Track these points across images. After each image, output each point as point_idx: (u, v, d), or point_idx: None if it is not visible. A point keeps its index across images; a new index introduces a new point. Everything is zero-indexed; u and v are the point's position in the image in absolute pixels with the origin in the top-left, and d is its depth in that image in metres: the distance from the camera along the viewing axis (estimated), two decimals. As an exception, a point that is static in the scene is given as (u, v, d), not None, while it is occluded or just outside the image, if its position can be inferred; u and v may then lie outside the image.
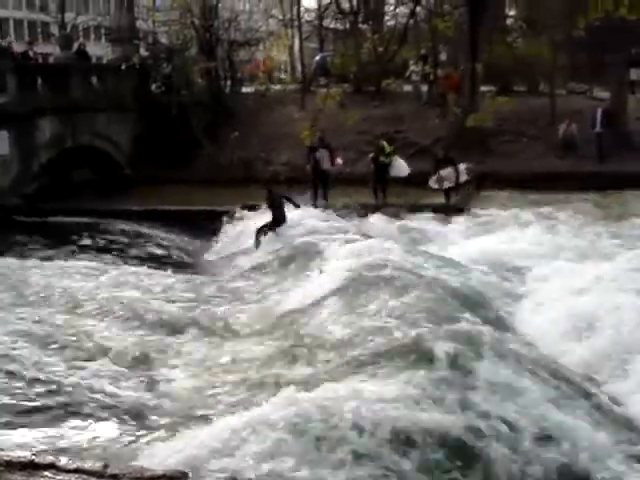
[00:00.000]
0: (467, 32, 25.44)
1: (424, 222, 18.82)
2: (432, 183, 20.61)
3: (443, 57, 33.58)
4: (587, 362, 9.68)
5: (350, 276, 12.35)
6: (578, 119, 25.20)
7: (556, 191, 21.54)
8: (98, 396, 9.05)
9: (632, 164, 22.99)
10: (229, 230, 18.72)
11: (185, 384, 9.58)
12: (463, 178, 20.65)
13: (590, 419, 7.60)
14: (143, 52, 30.06)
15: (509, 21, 36.26)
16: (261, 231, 16.90)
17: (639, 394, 8.78)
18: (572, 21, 24.48)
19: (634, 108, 25.05)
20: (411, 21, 32.99)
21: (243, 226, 18.48)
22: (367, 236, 16.27)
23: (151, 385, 9.52)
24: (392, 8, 36.75)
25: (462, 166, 20.78)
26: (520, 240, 16.01)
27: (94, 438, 7.96)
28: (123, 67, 27.47)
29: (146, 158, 25.10)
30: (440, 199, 20.62)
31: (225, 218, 19.02)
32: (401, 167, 20.76)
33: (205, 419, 8.03)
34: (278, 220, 17.03)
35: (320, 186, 20.63)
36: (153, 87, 28.51)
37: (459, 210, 20.01)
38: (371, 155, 20.98)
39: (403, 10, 35.19)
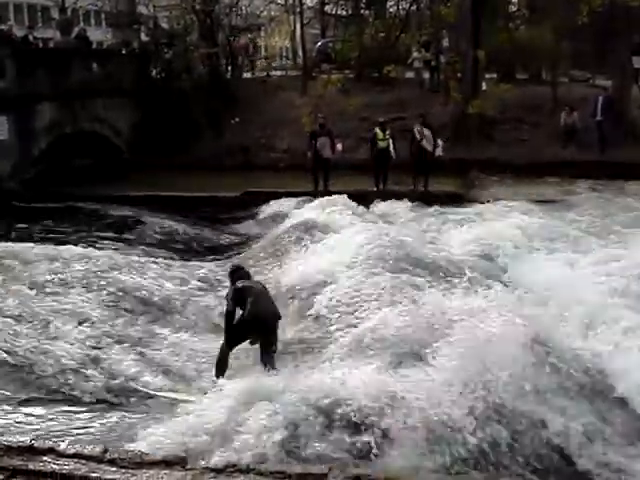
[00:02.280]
0: (469, 18, 25.27)
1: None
2: (424, 144, 20.45)
3: (445, 43, 33.44)
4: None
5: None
6: (580, 107, 25.10)
7: (557, 179, 21.54)
8: (97, 382, 9.06)
9: (633, 153, 22.93)
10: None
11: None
12: (439, 152, 20.57)
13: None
14: (144, 37, 29.97)
15: (512, 8, 36.11)
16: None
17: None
18: (575, 8, 24.38)
19: (636, 96, 24.93)
20: (414, 7, 32.89)
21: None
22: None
23: (148, 367, 9.52)
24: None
25: (440, 142, 20.75)
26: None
27: (94, 423, 7.96)
28: (123, 52, 27.37)
29: (146, 143, 25.05)
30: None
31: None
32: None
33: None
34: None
35: (321, 173, 20.55)
36: (153, 72, 28.41)
37: (462, 197, 19.94)
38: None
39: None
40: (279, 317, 9.09)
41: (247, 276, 9.56)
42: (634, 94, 24.69)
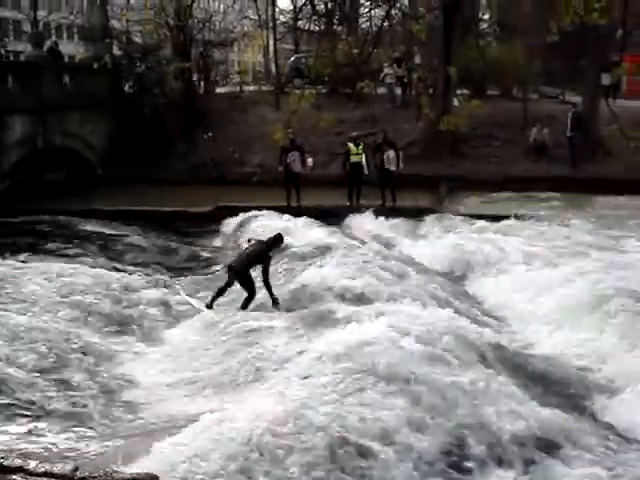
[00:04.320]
0: (441, 36, 25.51)
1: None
2: (386, 163, 20.58)
3: (417, 60, 33.70)
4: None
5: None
6: (550, 123, 25.40)
7: (528, 193, 21.77)
8: (68, 399, 8.95)
9: (603, 169, 23.24)
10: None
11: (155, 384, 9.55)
12: (402, 165, 20.73)
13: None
14: (116, 51, 29.85)
15: (483, 25, 36.50)
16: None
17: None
18: (545, 26, 24.69)
19: (605, 113, 25.26)
20: (386, 24, 33.10)
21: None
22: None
23: (121, 386, 9.45)
24: (367, 10, 36.91)
25: (401, 153, 20.91)
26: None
27: (64, 441, 7.87)
28: (95, 66, 27.26)
29: (119, 158, 24.98)
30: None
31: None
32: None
33: (178, 422, 7.96)
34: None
35: (292, 187, 20.59)
36: (126, 87, 28.33)
37: (432, 212, 20.07)
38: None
39: (378, 12, 35.33)
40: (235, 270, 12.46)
41: (255, 246, 12.75)
42: (603, 110, 24.98)
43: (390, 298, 11.66)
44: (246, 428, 6.82)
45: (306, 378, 8.04)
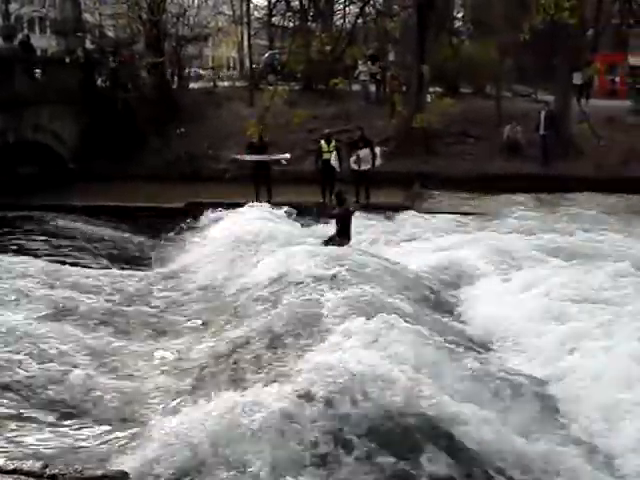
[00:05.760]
0: (415, 33, 25.60)
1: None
2: (352, 164, 20.62)
3: (392, 57, 33.82)
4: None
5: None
6: (524, 121, 25.58)
7: (499, 192, 21.93)
8: (39, 396, 8.89)
9: (575, 167, 23.46)
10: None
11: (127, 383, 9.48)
12: (378, 162, 20.76)
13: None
14: (89, 45, 29.63)
15: (457, 23, 36.69)
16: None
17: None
18: (518, 24, 24.87)
19: (577, 112, 25.49)
20: (360, 21, 33.16)
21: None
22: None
23: (93, 384, 9.38)
24: (341, 7, 36.98)
25: (378, 150, 20.93)
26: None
27: (34, 438, 7.82)
28: (67, 60, 27.03)
29: (92, 153, 24.75)
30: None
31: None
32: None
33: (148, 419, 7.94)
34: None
35: (263, 184, 20.58)
36: (99, 81, 28.12)
37: (405, 209, 20.12)
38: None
39: (352, 9, 35.42)
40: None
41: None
42: (575, 109, 25.21)
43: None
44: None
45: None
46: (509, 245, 15.20)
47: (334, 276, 11.61)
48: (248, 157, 21.06)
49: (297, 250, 13.52)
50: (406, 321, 9.36)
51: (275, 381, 7.94)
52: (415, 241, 17.01)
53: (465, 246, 15.25)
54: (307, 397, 7.15)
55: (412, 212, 19.65)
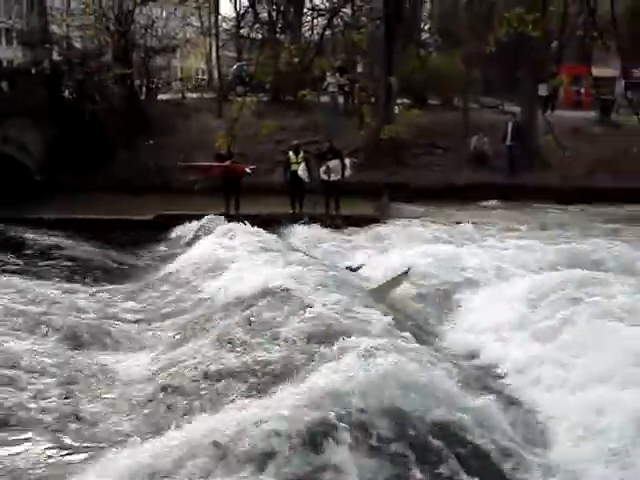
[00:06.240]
0: (382, 45, 25.76)
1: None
2: (322, 174, 20.67)
3: (360, 69, 34.00)
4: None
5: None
6: (491, 132, 25.85)
7: (469, 202, 22.14)
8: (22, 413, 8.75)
9: (541, 178, 23.76)
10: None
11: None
12: (348, 173, 20.85)
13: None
14: (56, 56, 29.44)
15: (425, 35, 36.99)
16: None
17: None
18: (484, 37, 25.12)
19: (543, 123, 25.79)
20: (329, 32, 33.30)
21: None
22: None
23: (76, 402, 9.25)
24: (309, 19, 37.12)
25: (347, 161, 21.02)
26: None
27: (19, 456, 7.67)
28: (34, 71, 26.83)
29: (59, 165, 24.51)
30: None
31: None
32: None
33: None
34: None
35: (232, 195, 20.57)
36: (66, 93, 27.94)
37: (375, 220, 20.20)
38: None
39: (321, 21, 35.55)
40: None
41: None
42: (540, 120, 25.49)
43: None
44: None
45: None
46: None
47: None
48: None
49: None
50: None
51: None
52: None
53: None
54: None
55: (381, 223, 19.74)
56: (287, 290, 11.50)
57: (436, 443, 6.67)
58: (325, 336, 9.31)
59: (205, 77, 44.19)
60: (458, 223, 19.20)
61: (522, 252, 15.45)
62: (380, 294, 12.57)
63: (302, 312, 10.36)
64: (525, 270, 14.02)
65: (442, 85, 30.37)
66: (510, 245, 16.16)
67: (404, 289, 13.19)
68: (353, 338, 8.51)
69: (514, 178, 24.27)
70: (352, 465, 6.17)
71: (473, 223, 19.02)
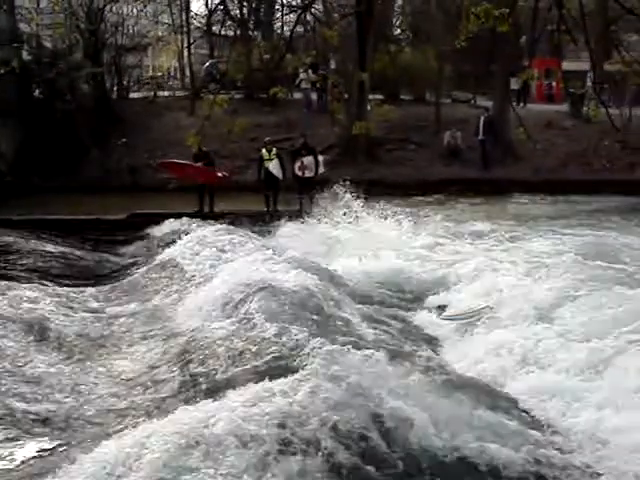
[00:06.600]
0: (355, 41, 25.74)
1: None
2: (296, 170, 20.65)
3: (333, 65, 33.94)
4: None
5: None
6: (463, 127, 25.96)
7: (442, 196, 22.22)
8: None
9: (514, 171, 23.90)
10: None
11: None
12: (321, 170, 20.84)
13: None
14: (25, 56, 29.14)
15: (397, 31, 37.04)
16: None
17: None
18: (455, 32, 25.18)
19: (515, 117, 25.92)
20: (301, 29, 33.20)
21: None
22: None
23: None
24: (280, 16, 37.04)
25: (321, 157, 21.02)
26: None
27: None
28: (2, 71, 26.53)
29: (30, 165, 24.32)
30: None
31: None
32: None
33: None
34: None
35: (206, 193, 20.49)
36: (36, 92, 27.70)
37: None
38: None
39: (292, 17, 35.44)
40: None
41: None
42: (513, 114, 25.60)
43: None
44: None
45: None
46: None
47: None
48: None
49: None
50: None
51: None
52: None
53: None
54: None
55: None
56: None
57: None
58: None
59: (177, 75, 43.93)
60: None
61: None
62: None
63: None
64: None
65: (414, 80, 30.47)
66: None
67: None
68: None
69: (486, 172, 24.39)
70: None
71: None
